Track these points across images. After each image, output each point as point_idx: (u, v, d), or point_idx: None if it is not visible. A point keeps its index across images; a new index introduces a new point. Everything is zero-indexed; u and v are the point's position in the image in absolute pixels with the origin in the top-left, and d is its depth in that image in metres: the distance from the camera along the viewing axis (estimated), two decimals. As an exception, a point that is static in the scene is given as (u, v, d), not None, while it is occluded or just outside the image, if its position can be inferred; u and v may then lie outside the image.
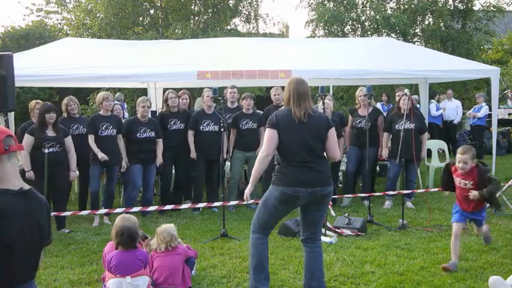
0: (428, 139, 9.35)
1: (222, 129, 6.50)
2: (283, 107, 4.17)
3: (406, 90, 7.34)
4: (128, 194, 7.09)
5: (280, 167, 3.98)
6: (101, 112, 6.90)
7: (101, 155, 6.59)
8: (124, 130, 6.98)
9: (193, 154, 7.29)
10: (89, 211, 6.51)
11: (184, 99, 7.80)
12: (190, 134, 7.36)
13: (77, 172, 6.84)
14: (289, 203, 4.01)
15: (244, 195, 4.22)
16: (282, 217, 4.25)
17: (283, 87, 8.08)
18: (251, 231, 4.14)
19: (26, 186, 2.23)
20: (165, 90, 9.23)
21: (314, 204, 3.98)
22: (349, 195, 7.42)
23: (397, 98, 8.30)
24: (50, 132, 6.23)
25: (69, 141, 6.39)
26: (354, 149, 7.64)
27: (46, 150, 5.93)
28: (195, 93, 13.57)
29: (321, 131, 3.99)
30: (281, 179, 3.93)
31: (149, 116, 7.63)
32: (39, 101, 7.14)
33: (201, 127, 7.33)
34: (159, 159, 7.10)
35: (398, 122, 7.25)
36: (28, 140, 6.11)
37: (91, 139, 6.70)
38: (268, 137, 3.96)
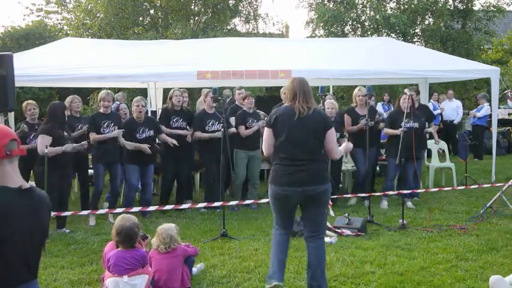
0: (428, 139, 9.34)
1: (222, 129, 6.48)
2: (285, 104, 4.20)
3: (406, 90, 7.33)
4: (125, 195, 7.11)
5: (275, 163, 4.05)
6: (101, 110, 6.91)
7: (113, 133, 6.63)
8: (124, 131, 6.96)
9: (205, 135, 7.22)
10: (89, 211, 6.50)
11: (185, 98, 7.77)
12: (199, 134, 7.32)
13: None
14: (282, 201, 4.06)
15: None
16: (288, 213, 4.15)
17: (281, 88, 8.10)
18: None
19: (26, 185, 2.22)
20: (165, 90, 9.23)
21: (309, 202, 4.00)
22: (350, 195, 7.42)
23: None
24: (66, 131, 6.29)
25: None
26: (359, 151, 7.44)
27: (46, 150, 5.92)
28: (194, 93, 13.57)
29: (317, 127, 3.97)
30: (273, 177, 4.04)
31: (149, 114, 7.64)
32: (29, 101, 7.05)
33: (206, 127, 7.30)
34: (172, 141, 7.00)
35: (400, 120, 7.20)
36: (46, 140, 6.02)
37: (92, 136, 6.71)
38: (265, 137, 4.07)
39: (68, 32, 20.64)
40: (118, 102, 12.07)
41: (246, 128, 7.35)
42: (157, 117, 8.34)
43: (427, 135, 8.11)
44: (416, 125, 7.03)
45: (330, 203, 5.96)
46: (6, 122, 7.55)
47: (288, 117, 3.97)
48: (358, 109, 7.63)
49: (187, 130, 7.46)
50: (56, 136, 6.08)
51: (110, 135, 6.69)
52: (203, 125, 7.30)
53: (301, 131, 3.94)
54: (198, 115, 7.50)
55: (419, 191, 7.52)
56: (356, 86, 8.09)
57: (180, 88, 8.20)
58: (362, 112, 7.48)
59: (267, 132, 4.05)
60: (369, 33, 16.02)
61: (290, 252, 5.24)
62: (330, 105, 7.21)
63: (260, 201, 6.77)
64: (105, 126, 6.75)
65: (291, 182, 3.92)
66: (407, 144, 6.62)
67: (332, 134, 4.02)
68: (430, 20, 17.53)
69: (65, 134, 6.27)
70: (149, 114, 8.06)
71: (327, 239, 5.64)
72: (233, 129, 7.25)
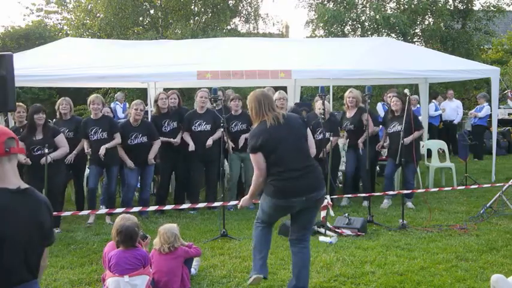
0: (428, 139, 9.34)
1: (222, 129, 6.47)
2: (254, 123, 4.13)
3: (406, 90, 7.32)
4: (123, 195, 7.10)
5: (273, 176, 3.92)
6: (91, 116, 6.86)
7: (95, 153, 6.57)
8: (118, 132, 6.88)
9: (191, 147, 7.20)
10: (89, 211, 6.49)
11: (172, 99, 7.59)
12: (186, 135, 7.32)
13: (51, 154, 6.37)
14: (283, 211, 4.09)
15: (240, 203, 4.29)
16: (280, 217, 4.37)
17: (281, 88, 8.09)
18: (255, 221, 4.21)
19: (24, 185, 2.23)
20: (165, 90, 9.23)
21: (309, 208, 3.99)
22: (349, 195, 7.41)
23: (388, 100, 8.34)
24: (38, 135, 6.16)
25: (59, 139, 6.29)
26: (350, 151, 7.66)
27: (44, 150, 5.90)
28: (194, 93, 13.56)
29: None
30: (274, 191, 3.91)
31: (149, 117, 7.59)
32: (20, 103, 6.99)
33: (192, 127, 7.30)
34: (150, 161, 6.95)
35: (390, 125, 7.41)
36: None
37: (85, 143, 6.71)
38: (256, 162, 3.95)
39: (68, 32, 20.68)
40: (117, 102, 12.13)
41: (228, 131, 7.27)
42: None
43: (428, 136, 8.12)
44: (399, 128, 6.94)
45: (330, 203, 5.97)
46: (6, 122, 7.54)
47: (270, 133, 3.91)
48: (347, 112, 7.75)
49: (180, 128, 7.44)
50: (24, 140, 6.06)
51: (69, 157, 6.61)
52: (190, 126, 7.30)
53: (289, 139, 3.93)
54: (187, 116, 7.43)
55: (419, 191, 7.51)
56: (356, 86, 8.11)
57: (169, 90, 8.15)
58: (349, 115, 7.64)
59: (256, 158, 3.91)
60: (369, 33, 16.00)
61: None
62: (326, 105, 7.25)
63: (259, 202, 6.74)
64: (92, 132, 6.67)
65: (296, 193, 3.86)
66: (399, 146, 6.68)
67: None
68: (430, 20, 17.51)
69: (42, 137, 6.14)
70: (149, 115, 8.05)
71: (327, 239, 5.65)
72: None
